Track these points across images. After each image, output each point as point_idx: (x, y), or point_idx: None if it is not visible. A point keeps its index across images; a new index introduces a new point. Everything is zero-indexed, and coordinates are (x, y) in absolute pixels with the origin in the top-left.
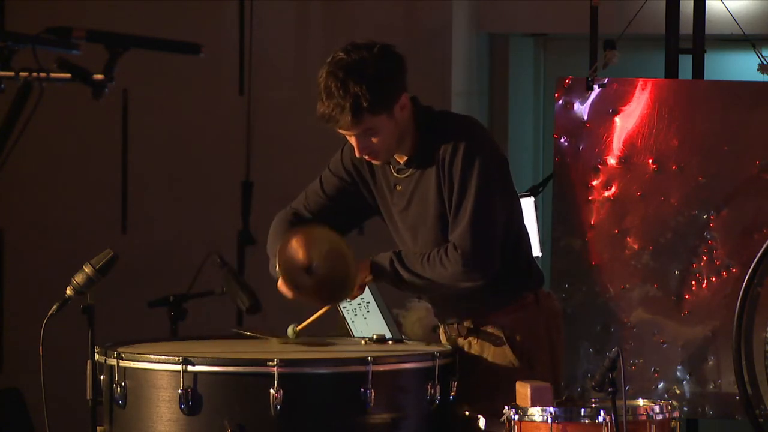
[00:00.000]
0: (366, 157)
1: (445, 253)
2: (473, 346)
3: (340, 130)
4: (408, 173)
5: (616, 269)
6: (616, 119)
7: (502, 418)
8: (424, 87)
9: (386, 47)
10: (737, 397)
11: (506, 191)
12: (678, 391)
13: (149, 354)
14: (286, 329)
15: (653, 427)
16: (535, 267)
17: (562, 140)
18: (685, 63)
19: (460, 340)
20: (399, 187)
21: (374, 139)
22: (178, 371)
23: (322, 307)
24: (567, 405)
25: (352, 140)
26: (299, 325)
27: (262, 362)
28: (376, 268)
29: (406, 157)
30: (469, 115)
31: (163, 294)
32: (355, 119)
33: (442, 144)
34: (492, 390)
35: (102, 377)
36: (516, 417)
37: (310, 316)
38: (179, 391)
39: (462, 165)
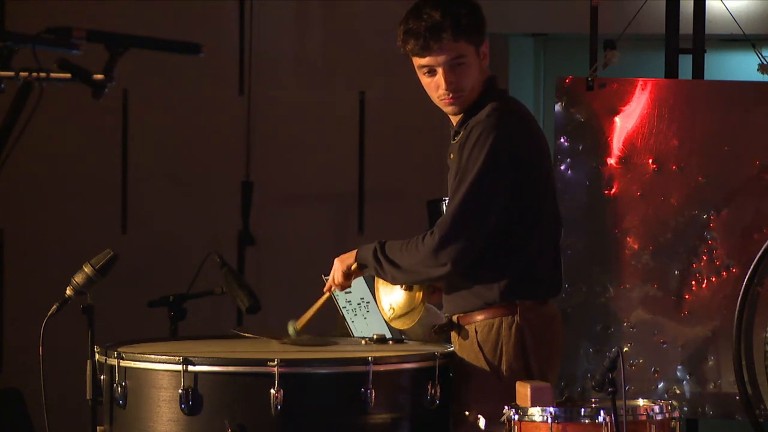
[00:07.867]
0: (450, 96)
1: (422, 238)
2: (454, 340)
3: (428, 59)
4: (455, 141)
5: (616, 269)
6: (616, 119)
7: (502, 418)
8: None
9: None
10: (737, 397)
11: (513, 188)
12: (678, 391)
13: (150, 354)
14: (287, 327)
15: (653, 427)
16: (534, 278)
17: (562, 140)
18: (685, 63)
19: (453, 334)
20: (452, 155)
21: (461, 71)
22: (179, 371)
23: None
24: (567, 405)
25: (439, 75)
26: (298, 321)
27: (263, 362)
28: (360, 256)
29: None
30: (515, 102)
31: (163, 294)
32: (455, 37)
33: (474, 120)
34: (461, 383)
35: (102, 377)
36: (516, 417)
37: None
38: (180, 391)
39: (471, 149)
